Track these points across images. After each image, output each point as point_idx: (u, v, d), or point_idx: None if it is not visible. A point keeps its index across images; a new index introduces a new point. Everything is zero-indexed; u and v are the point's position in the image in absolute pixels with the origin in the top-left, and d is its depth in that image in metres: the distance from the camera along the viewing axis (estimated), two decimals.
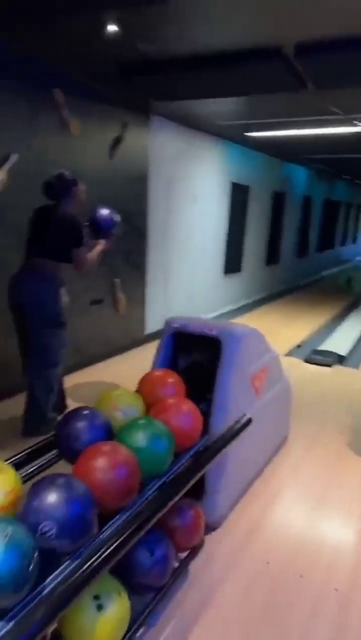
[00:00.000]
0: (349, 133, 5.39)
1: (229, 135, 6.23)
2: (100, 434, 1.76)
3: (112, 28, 2.92)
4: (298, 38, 3.00)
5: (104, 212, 3.05)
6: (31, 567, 1.17)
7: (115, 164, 4.47)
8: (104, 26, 2.88)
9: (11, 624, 1.12)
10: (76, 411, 1.83)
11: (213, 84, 3.80)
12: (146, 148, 4.92)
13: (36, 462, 1.82)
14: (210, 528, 2.23)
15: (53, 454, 1.87)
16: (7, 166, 3.31)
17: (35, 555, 1.19)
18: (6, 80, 3.26)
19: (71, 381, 3.58)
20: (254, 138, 6.25)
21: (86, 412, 1.83)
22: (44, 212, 2.99)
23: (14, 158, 3.34)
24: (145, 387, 2.12)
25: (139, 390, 2.12)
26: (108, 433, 1.80)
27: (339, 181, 12.64)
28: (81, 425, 1.77)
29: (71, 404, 3.26)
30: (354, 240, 16.33)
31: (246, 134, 5.97)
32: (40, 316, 2.93)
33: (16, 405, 3.20)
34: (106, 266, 4.21)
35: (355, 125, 5.02)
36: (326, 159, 8.41)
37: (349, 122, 4.91)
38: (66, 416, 1.83)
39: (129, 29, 2.93)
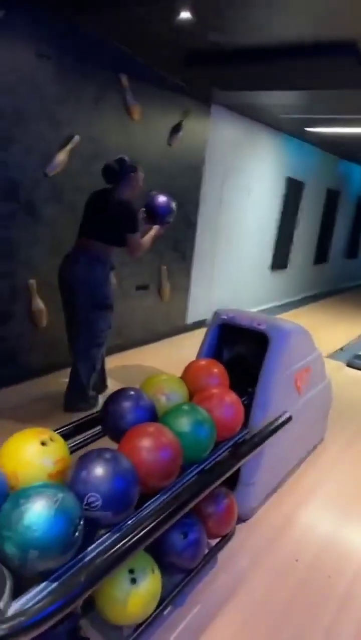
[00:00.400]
0: None
1: (289, 128, 6.10)
2: (144, 415, 1.81)
3: (185, 15, 2.91)
4: None
5: (162, 199, 3.08)
6: (77, 533, 1.23)
7: (173, 151, 4.48)
8: (177, 13, 2.88)
9: (55, 584, 1.18)
10: (123, 391, 1.89)
11: (278, 75, 3.75)
12: (204, 137, 4.90)
13: (81, 435, 1.89)
14: (241, 519, 2.25)
15: (97, 430, 1.94)
16: (69, 147, 3.40)
17: (81, 523, 1.25)
18: (77, 63, 3.33)
19: (111, 362, 3.67)
20: (313, 133, 6.10)
21: (132, 392, 1.88)
22: (101, 195, 3.05)
23: (76, 139, 3.44)
24: (190, 375, 2.16)
25: (183, 377, 2.15)
26: (152, 415, 1.85)
27: None
28: (127, 404, 1.82)
29: (111, 385, 3.34)
30: None
31: (306, 128, 5.83)
32: (89, 297, 3.00)
33: (63, 379, 3.32)
34: (154, 253, 4.27)
35: None
36: None
37: None
38: (113, 395, 1.89)
39: (202, 18, 2.92)
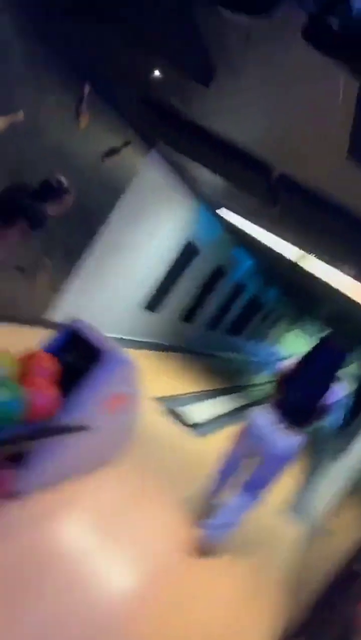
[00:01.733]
0: (289, 261, 6.29)
1: (206, 200, 6.89)
2: None
3: (157, 74, 3.37)
4: (285, 169, 3.64)
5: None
6: None
7: (103, 167, 4.82)
8: (153, 67, 3.30)
9: None
10: None
11: (207, 157, 4.36)
12: (133, 170, 5.36)
13: None
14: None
15: None
16: (10, 119, 3.53)
17: None
18: (52, 54, 3.55)
19: None
20: (222, 218, 6.96)
21: None
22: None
23: (20, 115, 3.58)
24: (25, 360, 2.40)
25: (19, 361, 2.39)
26: None
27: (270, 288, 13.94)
28: None
29: None
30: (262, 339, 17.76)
31: (217, 210, 6.66)
32: None
33: None
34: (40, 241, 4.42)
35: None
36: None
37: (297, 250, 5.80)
38: None
39: (171, 86, 3.40)
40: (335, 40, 1.57)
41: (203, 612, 2.67)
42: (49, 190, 2.97)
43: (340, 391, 3.06)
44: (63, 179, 3.02)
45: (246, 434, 3.15)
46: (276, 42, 1.96)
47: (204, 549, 3.01)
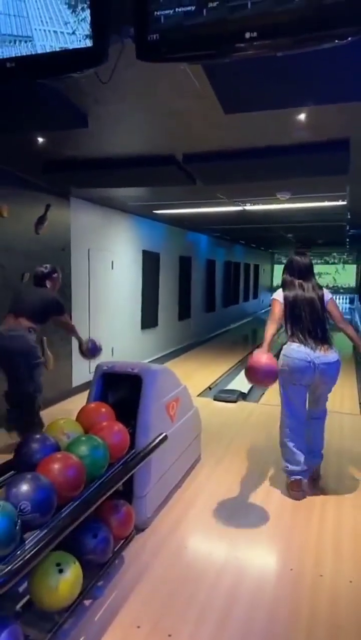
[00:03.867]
0: (234, 211, 6.68)
1: (140, 212, 7.26)
2: (51, 451, 2.32)
3: (41, 140, 3.72)
4: (184, 150, 4.02)
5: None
6: (17, 527, 1.72)
7: (41, 238, 5.16)
8: (35, 139, 3.68)
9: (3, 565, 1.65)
10: (30, 435, 2.39)
11: (121, 178, 4.74)
12: (67, 224, 5.70)
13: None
14: (140, 529, 2.79)
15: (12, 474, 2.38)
16: None
17: (18, 522, 1.74)
18: None
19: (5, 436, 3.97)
20: (160, 214, 7.34)
21: (37, 436, 2.39)
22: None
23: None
24: (83, 416, 2.73)
25: (77, 419, 2.71)
26: (57, 450, 2.36)
27: (236, 246, 14.38)
28: (35, 446, 2.31)
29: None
30: (255, 295, 18.18)
31: (154, 211, 7.04)
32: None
33: None
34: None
35: (237, 205, 6.29)
36: (221, 228, 9.88)
37: (232, 204, 6.17)
38: (21, 441, 2.37)
39: (56, 141, 3.76)
40: (163, 47, 1.90)
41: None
42: (43, 276, 3.90)
43: (328, 295, 3.34)
44: (47, 266, 3.97)
45: (293, 371, 3.14)
46: (126, 71, 2.28)
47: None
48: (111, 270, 6.85)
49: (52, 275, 3.99)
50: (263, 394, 6.11)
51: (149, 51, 1.89)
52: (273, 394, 6.02)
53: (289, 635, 2.06)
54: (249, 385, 6.25)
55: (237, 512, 3.12)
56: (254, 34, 1.58)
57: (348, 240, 11.89)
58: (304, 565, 2.56)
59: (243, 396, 5.80)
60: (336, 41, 1.50)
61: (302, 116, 3.10)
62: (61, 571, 1.96)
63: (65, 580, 1.96)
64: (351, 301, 22.56)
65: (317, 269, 4.66)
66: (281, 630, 2.08)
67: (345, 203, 5.94)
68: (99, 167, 4.42)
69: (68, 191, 5.52)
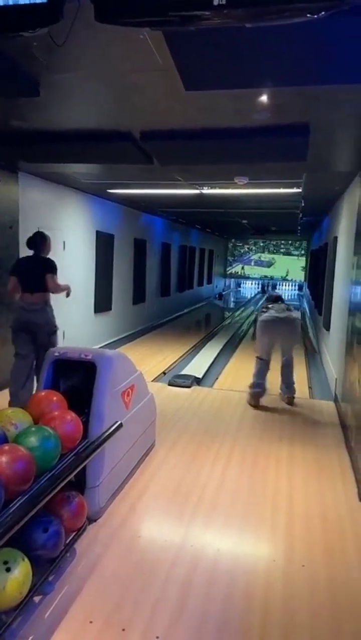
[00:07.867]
0: (191, 194, 6.56)
1: (93, 190, 6.98)
2: None
3: None
4: (142, 127, 3.86)
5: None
6: None
7: None
8: None
9: None
10: None
11: (74, 154, 4.50)
12: (15, 201, 5.37)
13: None
14: (91, 520, 2.71)
15: None
16: None
17: None
18: None
19: None
20: (115, 194, 7.10)
21: None
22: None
23: None
24: (33, 405, 2.58)
25: (28, 409, 2.56)
26: (4, 442, 2.22)
27: (192, 230, 14.31)
28: None
29: None
30: (209, 280, 18.26)
31: (108, 190, 6.79)
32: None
33: None
34: None
35: (195, 188, 6.19)
36: (178, 212, 9.74)
37: (189, 186, 6.05)
38: None
39: (3, 110, 3.48)
40: (124, 9, 1.76)
41: None
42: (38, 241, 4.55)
43: None
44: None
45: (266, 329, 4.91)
46: (82, 35, 2.10)
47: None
48: (62, 250, 6.57)
49: (45, 240, 4.61)
50: (217, 379, 6.16)
51: (109, 13, 1.75)
52: (227, 379, 6.11)
53: (243, 623, 2.06)
54: (204, 370, 6.29)
55: (191, 497, 3.11)
56: (223, 1, 1.48)
57: (299, 227, 12.12)
58: (258, 550, 2.59)
59: (198, 381, 5.79)
60: (308, 15, 1.43)
61: (263, 98, 3.02)
62: (8, 570, 1.85)
63: (13, 579, 1.85)
64: (300, 287, 23.23)
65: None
66: (235, 619, 2.08)
67: (300, 190, 5.99)
68: (50, 140, 4.16)
69: (16, 166, 5.19)
